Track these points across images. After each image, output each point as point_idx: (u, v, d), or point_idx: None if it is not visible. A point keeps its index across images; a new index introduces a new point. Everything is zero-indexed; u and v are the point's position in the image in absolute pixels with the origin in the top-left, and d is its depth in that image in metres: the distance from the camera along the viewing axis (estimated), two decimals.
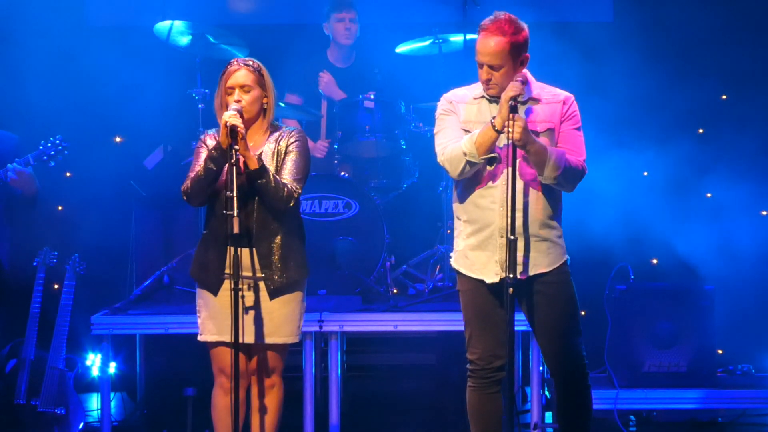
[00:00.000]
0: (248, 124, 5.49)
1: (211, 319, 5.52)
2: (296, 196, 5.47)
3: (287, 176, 5.48)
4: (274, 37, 8.65)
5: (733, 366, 7.70)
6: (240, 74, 5.49)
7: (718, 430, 7.36)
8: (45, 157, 6.80)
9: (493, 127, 5.12)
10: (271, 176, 5.40)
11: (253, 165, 5.36)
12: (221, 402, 5.60)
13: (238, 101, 5.43)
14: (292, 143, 5.54)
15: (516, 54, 5.21)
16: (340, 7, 8.28)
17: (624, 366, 7.20)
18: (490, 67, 5.21)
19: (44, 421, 6.84)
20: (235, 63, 5.53)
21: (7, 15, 8.09)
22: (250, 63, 5.54)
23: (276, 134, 5.57)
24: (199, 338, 5.60)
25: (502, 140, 5.15)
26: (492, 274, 5.27)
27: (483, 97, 5.33)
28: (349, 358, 7.84)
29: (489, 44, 5.18)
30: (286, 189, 5.43)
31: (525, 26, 5.24)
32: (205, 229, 5.56)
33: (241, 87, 5.47)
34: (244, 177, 5.34)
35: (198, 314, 5.60)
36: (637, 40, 8.34)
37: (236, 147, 5.27)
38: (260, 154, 5.48)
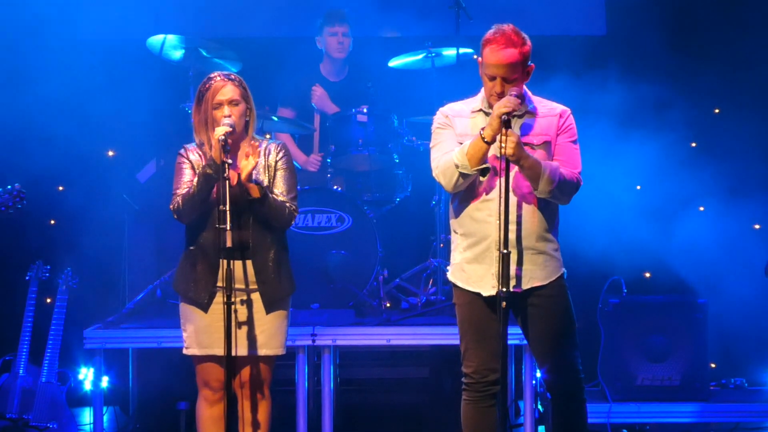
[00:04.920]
0: (237, 138, 5.47)
1: (199, 333, 5.48)
2: (296, 214, 5.50)
3: (283, 195, 5.48)
4: (267, 50, 8.65)
5: (726, 380, 7.72)
6: (227, 89, 5.44)
7: None
8: (3, 208, 6.46)
9: (483, 139, 5.11)
10: (272, 201, 5.41)
11: (256, 194, 5.35)
12: (206, 413, 5.59)
13: (228, 116, 5.40)
14: (281, 159, 5.54)
15: (525, 65, 5.22)
16: (333, 21, 8.28)
17: (617, 379, 7.20)
18: (504, 79, 5.18)
19: None
20: (219, 78, 5.47)
21: None
22: (233, 77, 5.50)
23: (262, 148, 5.55)
24: (185, 352, 5.57)
25: (496, 153, 5.14)
26: (489, 287, 5.25)
27: (480, 110, 5.32)
28: (342, 372, 7.82)
29: (503, 56, 5.15)
30: (286, 209, 5.44)
31: (527, 36, 5.25)
32: (192, 244, 5.51)
33: (230, 102, 5.43)
34: (236, 189, 5.32)
35: (183, 328, 5.56)
36: (630, 53, 8.37)
37: (227, 171, 5.23)
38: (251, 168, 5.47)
